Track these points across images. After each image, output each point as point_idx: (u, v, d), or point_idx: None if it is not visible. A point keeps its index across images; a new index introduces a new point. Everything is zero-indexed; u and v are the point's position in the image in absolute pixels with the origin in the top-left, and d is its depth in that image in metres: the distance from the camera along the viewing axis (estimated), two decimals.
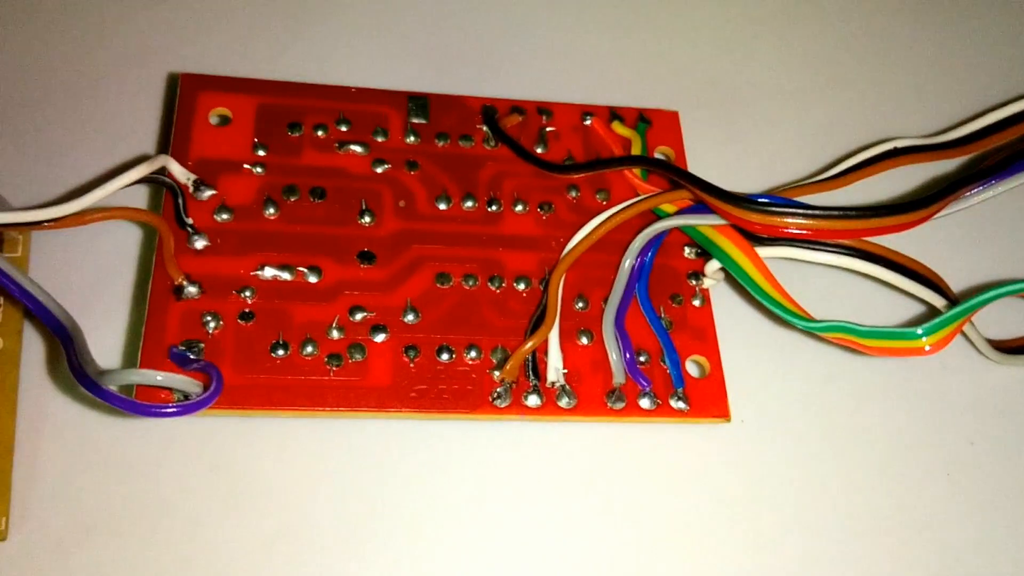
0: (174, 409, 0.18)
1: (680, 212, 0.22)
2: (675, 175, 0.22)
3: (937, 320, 0.19)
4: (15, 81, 0.25)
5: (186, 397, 0.19)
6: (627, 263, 0.22)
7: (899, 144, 0.23)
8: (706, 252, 0.23)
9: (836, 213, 0.20)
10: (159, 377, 0.18)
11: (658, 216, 0.23)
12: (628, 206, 0.23)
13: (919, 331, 0.19)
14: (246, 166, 0.23)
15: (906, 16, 0.31)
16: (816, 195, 0.22)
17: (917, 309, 0.25)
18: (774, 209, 0.20)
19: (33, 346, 0.22)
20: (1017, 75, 0.29)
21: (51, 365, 0.22)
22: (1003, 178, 0.20)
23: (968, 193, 0.21)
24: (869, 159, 0.23)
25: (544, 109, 0.25)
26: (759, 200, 0.20)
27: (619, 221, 0.23)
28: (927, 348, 0.19)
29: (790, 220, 0.20)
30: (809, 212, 0.20)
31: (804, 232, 0.20)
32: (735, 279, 0.22)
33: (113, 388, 0.18)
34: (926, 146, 0.23)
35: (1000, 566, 0.22)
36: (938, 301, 0.22)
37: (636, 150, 0.25)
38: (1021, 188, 0.21)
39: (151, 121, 0.25)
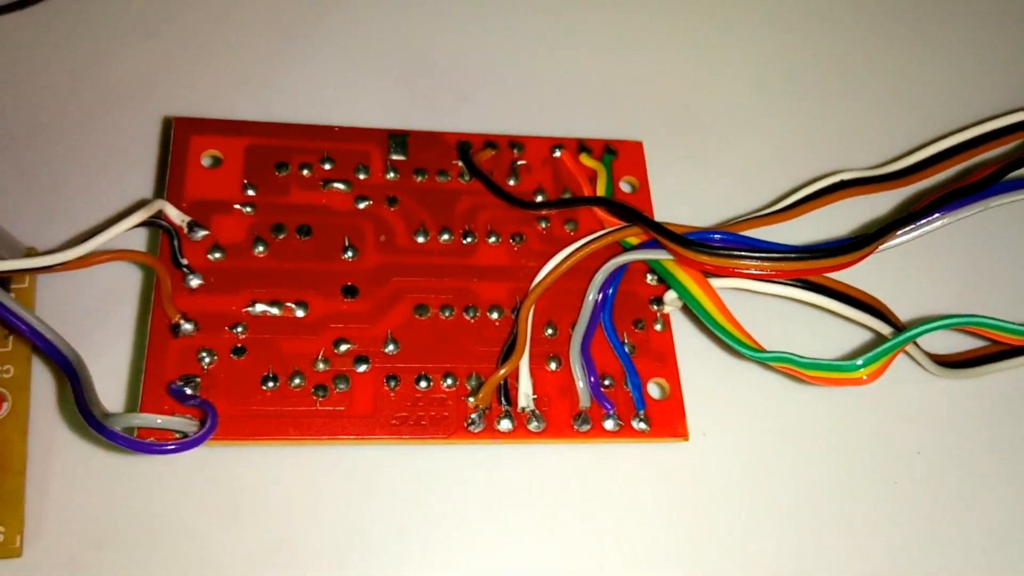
0: (172, 447, 0.20)
1: (640, 246, 0.24)
2: (631, 218, 0.24)
3: (873, 352, 0.21)
4: (17, 120, 0.27)
5: (184, 434, 0.21)
6: (590, 297, 0.24)
7: (845, 177, 0.24)
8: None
9: (778, 256, 0.21)
10: (159, 420, 0.20)
11: (623, 247, 0.25)
12: (594, 239, 0.24)
13: (859, 362, 0.21)
14: (236, 206, 0.24)
15: (865, 46, 0.33)
16: (769, 227, 0.24)
17: (867, 332, 0.27)
18: (721, 251, 0.21)
19: (42, 371, 0.24)
20: (960, 108, 0.30)
21: (59, 390, 0.23)
22: (925, 220, 0.22)
23: (898, 234, 0.22)
24: (817, 191, 0.24)
25: (516, 143, 0.27)
26: (706, 243, 0.22)
27: (585, 254, 0.24)
28: (864, 378, 0.21)
29: (736, 262, 0.21)
30: (754, 255, 0.21)
31: (750, 272, 0.21)
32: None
33: (117, 429, 0.20)
34: (870, 178, 0.24)
35: (945, 570, 0.24)
36: (884, 328, 0.23)
37: (602, 182, 0.26)
38: (951, 225, 0.22)
39: (147, 159, 0.27)
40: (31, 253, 0.25)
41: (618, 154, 0.27)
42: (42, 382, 0.23)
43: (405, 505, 0.23)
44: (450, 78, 0.29)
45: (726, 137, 0.29)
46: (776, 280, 0.22)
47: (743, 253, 0.21)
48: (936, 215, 0.22)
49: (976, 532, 0.25)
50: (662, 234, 0.22)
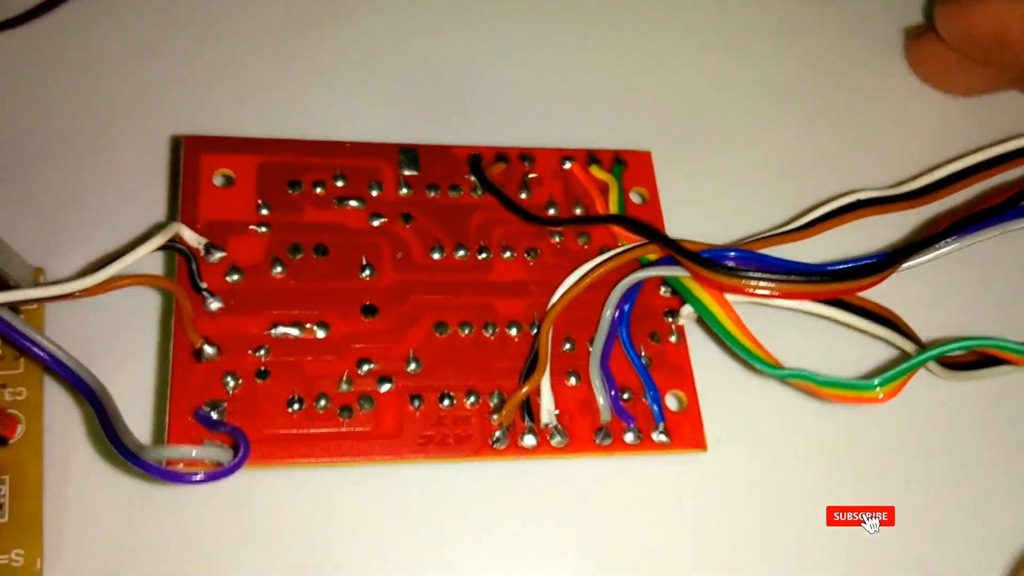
0: (208, 476, 0.20)
1: (657, 262, 0.24)
2: (647, 236, 0.24)
3: (890, 372, 0.21)
4: (21, 138, 0.26)
5: (218, 461, 0.21)
6: (607, 313, 0.24)
7: (861, 196, 0.24)
8: None
9: (797, 278, 0.22)
10: (193, 452, 0.20)
11: (641, 263, 0.25)
12: (612, 257, 0.24)
13: (875, 381, 0.21)
14: (252, 227, 0.24)
15: (876, 59, 0.33)
16: (784, 245, 0.24)
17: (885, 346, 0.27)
18: (739, 272, 0.22)
19: (54, 392, 0.23)
20: (976, 128, 0.31)
21: (72, 412, 0.23)
22: (944, 243, 0.23)
23: (916, 257, 0.23)
24: (833, 210, 0.24)
25: (526, 155, 0.27)
26: (724, 264, 0.22)
27: (602, 272, 0.24)
28: (880, 397, 0.21)
29: (754, 283, 0.22)
30: (773, 276, 0.22)
31: (767, 294, 0.22)
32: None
33: (152, 461, 0.20)
34: (887, 198, 0.24)
35: (960, 564, 0.25)
36: (902, 342, 0.24)
37: (613, 194, 0.26)
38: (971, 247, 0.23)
39: (154, 176, 0.26)
40: (39, 273, 0.25)
41: (627, 164, 0.27)
42: (55, 403, 0.23)
43: (432, 523, 0.23)
44: (458, 91, 0.29)
45: (733, 147, 0.30)
46: None
47: (761, 274, 0.22)
48: (954, 238, 0.23)
49: (987, 529, 0.25)
50: (680, 253, 0.23)
